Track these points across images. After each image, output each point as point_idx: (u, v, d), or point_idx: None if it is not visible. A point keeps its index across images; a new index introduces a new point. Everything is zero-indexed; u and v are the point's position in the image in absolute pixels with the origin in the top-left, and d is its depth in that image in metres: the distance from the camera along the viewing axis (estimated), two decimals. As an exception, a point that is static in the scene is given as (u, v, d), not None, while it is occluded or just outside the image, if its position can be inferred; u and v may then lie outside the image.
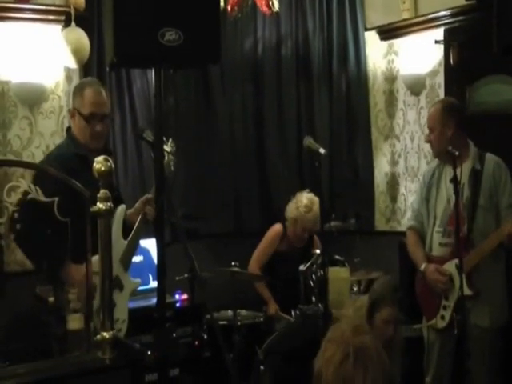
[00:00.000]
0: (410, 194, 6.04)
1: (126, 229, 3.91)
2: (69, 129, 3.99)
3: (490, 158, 4.18)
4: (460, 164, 4.01)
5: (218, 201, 6.24)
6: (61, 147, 3.96)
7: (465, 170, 4.09)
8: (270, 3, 5.79)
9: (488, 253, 4.02)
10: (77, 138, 3.86)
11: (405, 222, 5.80)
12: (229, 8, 5.64)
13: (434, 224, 4.23)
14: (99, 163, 2.60)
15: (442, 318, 4.13)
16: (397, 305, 3.94)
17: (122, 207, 3.86)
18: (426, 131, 5.81)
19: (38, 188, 2.84)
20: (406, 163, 6.19)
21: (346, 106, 6.50)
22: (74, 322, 2.68)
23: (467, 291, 3.97)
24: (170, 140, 3.74)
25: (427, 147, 5.85)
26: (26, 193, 2.75)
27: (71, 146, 3.85)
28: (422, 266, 4.18)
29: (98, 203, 2.58)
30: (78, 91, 3.91)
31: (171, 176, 3.78)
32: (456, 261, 3.94)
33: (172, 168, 3.65)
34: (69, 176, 2.71)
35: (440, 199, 4.21)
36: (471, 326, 4.02)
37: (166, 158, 3.71)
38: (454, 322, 3.97)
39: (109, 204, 2.59)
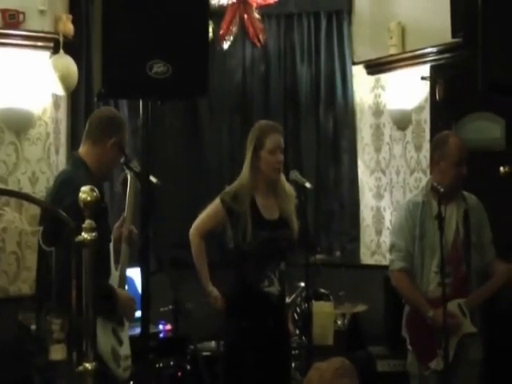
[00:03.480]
0: (395, 228, 6.05)
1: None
2: (78, 158, 3.63)
3: (468, 195, 4.19)
4: (449, 202, 4.02)
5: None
6: (83, 179, 3.31)
7: (454, 209, 4.10)
8: (260, 36, 5.86)
9: (493, 294, 4.07)
10: (89, 165, 3.57)
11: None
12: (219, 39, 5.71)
13: (431, 263, 4.11)
14: (85, 193, 2.58)
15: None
16: (280, 132, 4.11)
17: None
18: (412, 166, 5.92)
19: (21, 216, 2.84)
20: (391, 197, 6.21)
21: (333, 139, 6.55)
22: (57, 353, 2.65)
23: (472, 329, 4.02)
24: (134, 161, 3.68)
25: (412, 181, 5.91)
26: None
27: (89, 178, 3.43)
28: (431, 313, 4.01)
29: (83, 233, 2.57)
30: (123, 124, 3.71)
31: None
32: (458, 301, 3.99)
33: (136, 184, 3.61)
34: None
35: (436, 238, 4.00)
36: (468, 361, 4.02)
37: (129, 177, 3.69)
38: (457, 360, 3.97)
39: (93, 234, 2.58)
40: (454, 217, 4.09)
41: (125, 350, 3.68)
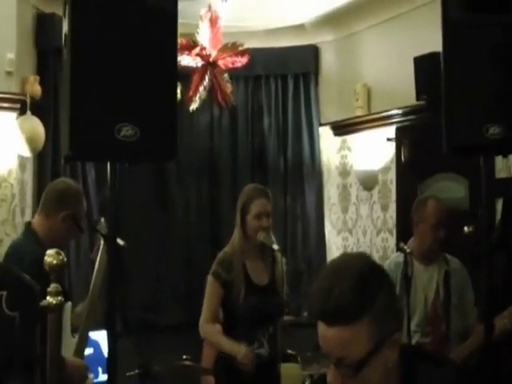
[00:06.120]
0: (362, 287, 6.04)
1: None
2: (29, 224, 3.69)
3: (451, 258, 4.23)
4: (430, 263, 4.12)
5: (172, 292, 6.19)
6: (28, 249, 3.47)
7: (436, 270, 4.15)
8: (227, 98, 5.90)
9: (471, 353, 4.06)
10: (41, 237, 3.55)
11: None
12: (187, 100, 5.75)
13: (409, 323, 4.02)
14: (51, 256, 2.56)
15: None
16: (266, 197, 4.14)
17: (68, 304, 3.74)
18: (379, 226, 5.96)
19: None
20: (358, 257, 6.21)
21: (300, 199, 6.58)
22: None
23: None
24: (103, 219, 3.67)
25: (379, 241, 5.94)
26: None
27: (38, 247, 3.42)
28: None
29: (48, 297, 2.54)
30: (76, 197, 3.67)
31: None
32: None
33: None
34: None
35: (417, 298, 4.09)
36: None
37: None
38: None
39: (59, 298, 2.55)
40: (434, 278, 4.14)
41: None
